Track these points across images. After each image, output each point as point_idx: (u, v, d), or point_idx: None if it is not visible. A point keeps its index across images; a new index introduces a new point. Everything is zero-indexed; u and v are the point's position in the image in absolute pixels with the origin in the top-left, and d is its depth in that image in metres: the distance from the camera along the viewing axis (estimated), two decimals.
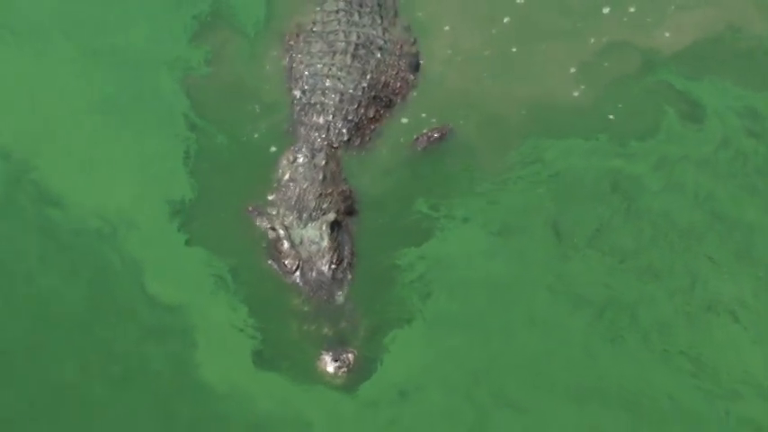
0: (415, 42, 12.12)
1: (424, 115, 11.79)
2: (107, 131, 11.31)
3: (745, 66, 12.29)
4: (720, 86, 12.11)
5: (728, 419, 10.16)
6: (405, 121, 11.80)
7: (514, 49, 12.20)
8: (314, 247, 10.35)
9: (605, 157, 11.42)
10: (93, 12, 12.12)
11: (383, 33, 11.67)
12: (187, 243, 10.73)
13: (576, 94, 11.85)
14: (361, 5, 11.86)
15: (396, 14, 12.15)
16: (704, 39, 12.44)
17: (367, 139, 11.32)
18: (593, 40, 12.25)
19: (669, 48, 12.32)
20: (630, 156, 11.46)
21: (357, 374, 10.04)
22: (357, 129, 11.22)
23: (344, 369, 9.85)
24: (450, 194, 11.31)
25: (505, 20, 12.35)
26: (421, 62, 12.19)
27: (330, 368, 9.89)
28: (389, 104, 11.53)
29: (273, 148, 11.20)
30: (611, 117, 11.72)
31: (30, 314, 10.36)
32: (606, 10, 12.42)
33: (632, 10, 12.47)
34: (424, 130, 11.58)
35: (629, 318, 10.74)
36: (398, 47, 11.90)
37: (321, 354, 9.95)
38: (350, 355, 9.88)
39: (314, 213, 10.54)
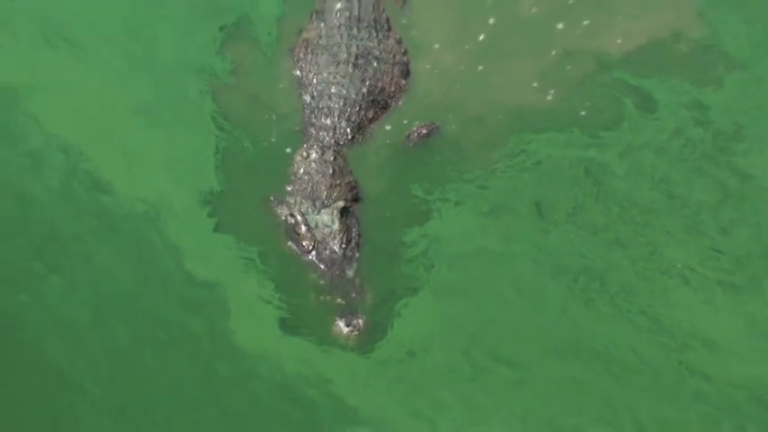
0: (405, 52, 11.89)
1: (405, 122, 11.49)
2: (147, 130, 11.10)
3: (687, 65, 12.08)
4: (669, 83, 11.92)
5: (681, 368, 10.00)
6: (404, 122, 11.51)
7: (491, 63, 11.94)
8: (327, 230, 10.19)
9: (578, 148, 11.25)
10: (133, 25, 11.90)
11: (378, 45, 11.48)
12: (217, 228, 10.51)
13: (548, 97, 11.67)
14: (359, 21, 11.64)
15: (389, 29, 11.92)
16: (651, 43, 12.24)
17: (368, 136, 11.14)
18: (554, 52, 12.02)
19: (621, 52, 12.10)
20: (599, 145, 11.30)
21: (367, 337, 9.91)
22: (359, 128, 11.06)
23: (356, 332, 9.78)
24: (441, 181, 11.14)
25: (480, 37, 12.11)
26: (411, 70, 11.96)
27: (343, 332, 9.80)
28: (386, 106, 11.34)
29: (288, 150, 10.96)
30: (582, 113, 11.50)
31: (88, 289, 10.13)
32: (560, 25, 12.19)
33: (586, 23, 12.24)
34: (414, 127, 11.32)
35: (599, 283, 10.58)
36: (392, 56, 11.69)
37: (335, 320, 9.88)
38: (360, 321, 9.80)
39: (326, 201, 10.39)
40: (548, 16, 12.62)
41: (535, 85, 11.99)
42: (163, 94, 11.65)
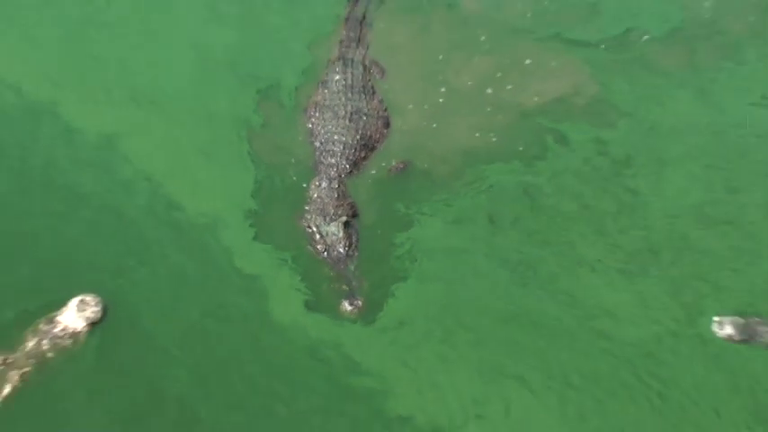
0: (386, 109, 12.32)
1: (383, 163, 11.95)
2: (206, 165, 11.56)
3: (588, 113, 12.46)
4: (576, 126, 12.34)
5: (591, 331, 10.59)
6: (383, 162, 12.01)
7: (446, 118, 12.28)
8: (334, 237, 10.78)
9: (518, 174, 11.66)
10: (196, 89, 12.39)
11: (366, 105, 11.97)
12: (257, 237, 10.95)
13: (493, 139, 12.03)
14: (352, 88, 12.14)
15: (373, 93, 12.38)
16: (559, 98, 12.60)
17: (361, 170, 11.62)
18: (489, 109, 12.37)
19: (538, 105, 12.47)
20: (533, 172, 11.73)
21: (367, 313, 10.47)
22: (355, 164, 11.56)
23: (356, 310, 10.37)
24: (418, 200, 11.55)
25: (440, 100, 12.49)
26: (390, 122, 12.38)
27: (347, 309, 10.38)
28: (373, 148, 11.82)
29: (304, 185, 11.44)
30: (519, 149, 11.95)
31: (166, 278, 10.61)
32: (490, 90, 12.57)
33: (509, 87, 12.65)
34: (393, 163, 11.77)
35: (532, 271, 11.15)
36: (376, 112, 12.16)
37: (342, 301, 10.43)
38: (359, 302, 10.39)
39: (333, 216, 10.93)
40: (481, 85, 12.86)
41: (477, 135, 12.29)
42: (216, 139, 12.04)
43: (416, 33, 13.85)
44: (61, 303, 10.12)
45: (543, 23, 13.87)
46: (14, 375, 9.41)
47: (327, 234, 11.01)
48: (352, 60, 12.87)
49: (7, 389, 9.32)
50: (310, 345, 10.37)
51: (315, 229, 11.11)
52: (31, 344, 9.59)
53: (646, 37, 13.69)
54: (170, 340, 10.27)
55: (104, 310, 9.96)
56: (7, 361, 9.49)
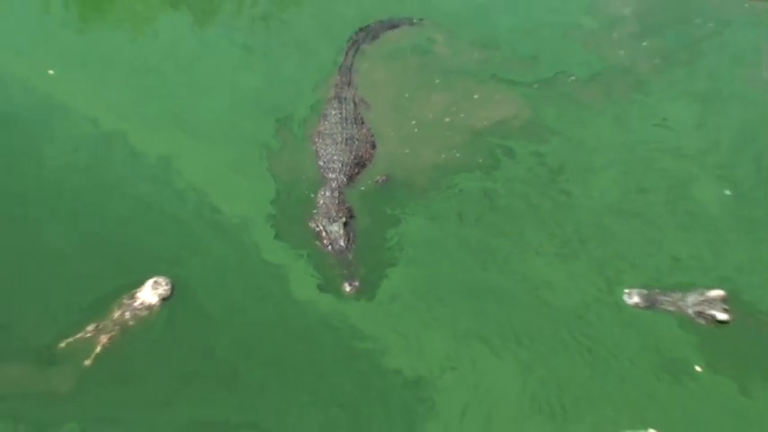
0: (372, 135, 12.55)
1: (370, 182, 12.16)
2: (238, 178, 11.75)
3: (525, 131, 12.77)
4: (519, 142, 12.64)
5: (536, 300, 10.78)
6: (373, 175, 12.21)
7: (418, 142, 12.54)
8: (336, 234, 10.98)
9: (480, 181, 11.91)
10: (229, 118, 12.66)
11: (358, 132, 12.22)
12: (277, 236, 11.10)
13: (457, 155, 12.30)
14: (346, 120, 12.37)
15: (362, 122, 12.60)
16: (502, 120, 12.89)
17: (355, 182, 11.81)
18: (448, 133, 12.66)
19: (487, 127, 12.75)
20: (491, 179, 11.98)
21: (366, 291, 10.61)
22: (350, 178, 11.78)
23: (354, 290, 10.48)
24: (401, 204, 11.70)
25: (414, 129, 12.78)
26: (376, 145, 12.57)
27: (348, 290, 10.53)
28: (364, 165, 12.03)
29: (312, 195, 11.61)
30: (479, 161, 12.23)
31: (213, 268, 10.77)
32: (447, 119, 12.84)
33: (462, 115, 12.92)
34: (378, 177, 11.94)
35: (491, 256, 11.28)
36: (365, 138, 12.38)
37: (343, 283, 10.58)
38: (356, 283, 10.53)
39: (335, 218, 11.11)
40: (440, 115, 13.06)
41: (443, 155, 12.44)
42: (245, 158, 12.17)
43: (391, 75, 14.07)
44: (140, 283, 10.27)
45: (490, 68, 14.10)
46: (104, 338, 9.71)
47: (331, 232, 11.15)
48: (345, 98, 13.08)
49: (98, 348, 9.64)
50: (323, 316, 10.43)
51: (321, 228, 11.26)
52: (116, 314, 9.91)
53: (572, 78, 14.02)
54: (218, 313, 10.36)
55: (173, 289, 10.27)
56: (98, 327, 9.78)
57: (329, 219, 11.30)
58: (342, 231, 11.20)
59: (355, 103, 13.24)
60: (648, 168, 12.84)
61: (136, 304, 10.03)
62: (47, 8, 14.64)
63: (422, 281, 11.08)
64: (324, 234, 11.26)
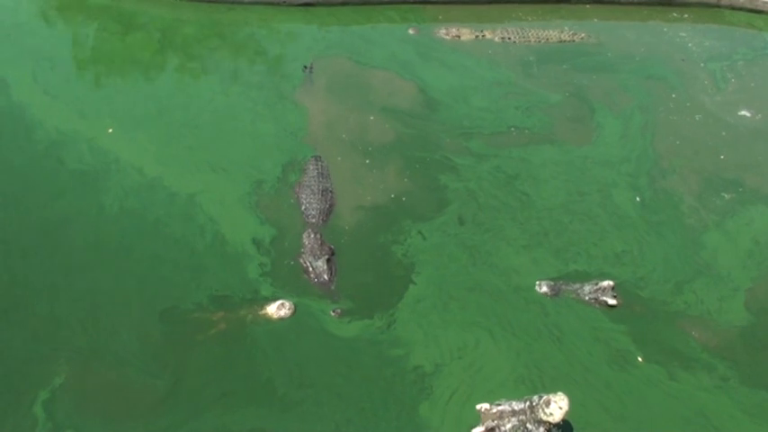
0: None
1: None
2: (245, 211, 11.30)
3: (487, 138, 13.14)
4: (481, 145, 12.91)
5: (513, 289, 10.75)
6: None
7: (378, 181, 12.27)
8: (320, 269, 10.50)
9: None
10: (247, 159, 12.26)
11: (330, 185, 11.79)
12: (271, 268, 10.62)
13: (404, 199, 11.94)
14: (322, 175, 11.90)
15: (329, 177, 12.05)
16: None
17: (328, 222, 11.39)
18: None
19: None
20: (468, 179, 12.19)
21: (346, 316, 10.07)
22: (324, 221, 11.31)
23: (338, 316, 9.98)
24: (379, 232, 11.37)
25: (369, 164, 12.54)
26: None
27: (332, 315, 10.02)
28: (332, 211, 11.60)
29: (303, 237, 10.99)
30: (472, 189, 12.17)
31: (215, 266, 10.50)
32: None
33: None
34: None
35: (478, 252, 11.17)
36: (334, 190, 11.94)
37: (331, 312, 10.02)
38: (339, 310, 10.01)
39: (318, 255, 10.63)
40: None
41: (404, 199, 11.94)
42: (254, 190, 11.66)
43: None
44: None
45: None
46: (222, 324, 9.71)
47: (316, 267, 10.57)
48: (320, 157, 12.38)
49: (215, 330, 9.66)
50: (322, 328, 9.95)
51: (308, 264, 10.63)
52: (242, 313, 9.86)
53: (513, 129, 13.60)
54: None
55: (293, 314, 9.95)
56: (224, 316, 9.83)
57: (314, 256, 10.69)
58: (325, 266, 10.58)
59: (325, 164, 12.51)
60: (583, 176, 12.83)
61: (260, 312, 9.87)
62: (103, 75, 13.95)
63: (435, 282, 10.74)
64: (310, 269, 10.60)
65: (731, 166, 13.40)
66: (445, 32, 15.96)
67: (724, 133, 14.16)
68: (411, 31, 15.94)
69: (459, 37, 15.90)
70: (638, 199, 12.44)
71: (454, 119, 13.68)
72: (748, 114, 14.71)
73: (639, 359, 9.98)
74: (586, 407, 9.29)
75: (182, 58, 14.60)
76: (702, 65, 15.94)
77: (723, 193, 12.78)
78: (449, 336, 10.03)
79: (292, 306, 9.97)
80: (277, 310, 9.88)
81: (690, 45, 16.57)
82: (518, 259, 11.21)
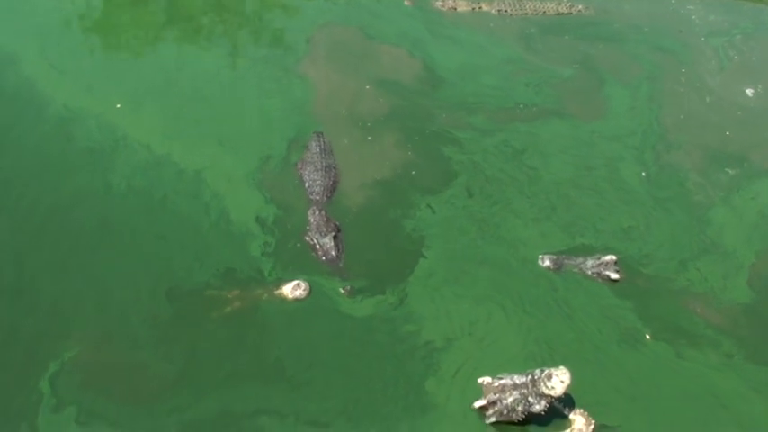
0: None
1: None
2: (251, 188, 10.85)
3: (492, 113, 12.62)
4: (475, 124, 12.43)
5: (521, 261, 10.44)
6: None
7: (381, 156, 11.87)
8: (327, 246, 10.06)
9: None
10: (253, 136, 11.76)
11: (333, 161, 11.27)
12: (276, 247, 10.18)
13: (413, 173, 11.57)
14: (324, 152, 11.42)
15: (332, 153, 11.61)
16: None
17: (332, 199, 11.00)
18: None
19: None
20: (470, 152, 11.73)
21: (359, 293, 9.73)
22: (328, 198, 10.87)
23: (348, 293, 9.64)
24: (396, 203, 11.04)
25: (370, 141, 12.19)
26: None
27: (342, 293, 9.66)
28: (336, 188, 11.17)
29: (308, 214, 10.52)
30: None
31: (221, 244, 10.05)
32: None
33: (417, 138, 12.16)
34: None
35: (486, 225, 10.83)
36: (337, 165, 11.47)
37: (340, 288, 9.68)
38: (349, 287, 9.61)
39: (325, 232, 10.21)
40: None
41: (413, 173, 11.58)
42: (257, 167, 11.19)
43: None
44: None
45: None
46: (238, 303, 9.37)
47: (323, 244, 10.20)
48: (323, 134, 11.91)
49: (229, 308, 9.31)
50: (334, 307, 9.60)
51: (315, 241, 10.25)
52: (257, 291, 9.47)
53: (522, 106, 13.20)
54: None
55: (308, 295, 9.59)
56: (238, 294, 9.49)
57: (321, 233, 10.33)
58: (332, 243, 10.21)
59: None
60: (592, 149, 12.43)
61: (275, 292, 9.53)
62: (112, 48, 13.43)
63: (446, 255, 10.36)
64: (317, 246, 10.24)
65: (736, 142, 13.07)
66: (441, 4, 15.48)
67: (731, 109, 13.84)
68: (406, 2, 15.41)
69: (455, 9, 15.41)
70: (643, 174, 12.08)
71: (458, 95, 13.31)
72: (754, 91, 14.34)
73: (647, 336, 9.71)
74: (597, 387, 9.04)
75: (188, 30, 14.06)
76: (703, 39, 15.52)
77: (727, 169, 12.51)
78: (461, 310, 9.70)
79: (308, 287, 9.55)
80: (292, 290, 9.47)
81: (694, 18, 16.11)
82: (526, 232, 10.84)
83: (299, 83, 13.01)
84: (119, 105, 11.98)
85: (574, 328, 9.68)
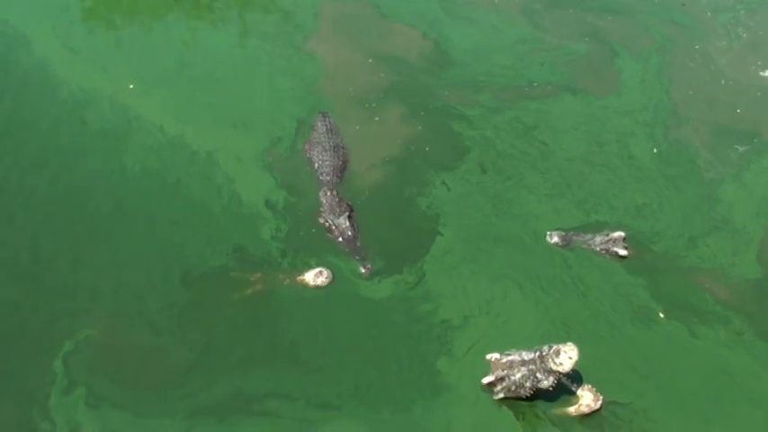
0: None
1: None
2: (259, 170, 10.54)
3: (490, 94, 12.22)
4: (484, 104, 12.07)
5: (528, 233, 10.20)
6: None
7: (393, 133, 11.48)
8: (343, 226, 9.73)
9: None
10: (263, 117, 11.40)
11: (341, 141, 10.82)
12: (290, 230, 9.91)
13: (427, 149, 11.34)
14: (331, 131, 10.99)
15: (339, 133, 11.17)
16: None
17: (342, 179, 10.68)
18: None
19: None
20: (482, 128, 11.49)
21: (376, 274, 9.45)
22: (339, 178, 10.51)
23: (368, 273, 9.36)
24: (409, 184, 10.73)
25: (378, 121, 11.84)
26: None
27: (363, 273, 9.39)
28: (346, 167, 10.79)
29: (320, 195, 10.17)
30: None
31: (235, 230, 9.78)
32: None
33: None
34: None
35: (500, 201, 10.57)
36: (345, 144, 11.09)
37: (360, 268, 9.41)
38: (369, 266, 9.33)
39: (338, 212, 9.91)
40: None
41: (427, 148, 11.32)
42: (268, 148, 10.87)
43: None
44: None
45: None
46: (259, 286, 9.17)
47: (338, 225, 9.92)
48: (328, 113, 11.51)
49: (250, 290, 9.14)
50: (350, 290, 9.37)
51: (330, 222, 9.96)
52: (279, 276, 9.23)
53: (535, 83, 12.73)
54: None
55: (330, 283, 9.33)
56: (261, 278, 9.30)
57: (335, 214, 10.04)
58: (347, 223, 9.92)
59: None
60: (603, 125, 12.04)
61: (298, 278, 9.27)
62: (121, 28, 12.99)
63: (461, 233, 10.08)
64: (333, 227, 9.95)
65: (747, 119, 12.67)
66: None
67: (740, 87, 13.38)
68: None
69: None
70: (655, 150, 11.71)
71: (469, 73, 12.89)
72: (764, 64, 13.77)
73: (661, 315, 9.48)
74: (612, 365, 8.87)
75: (200, 8, 13.58)
76: (709, 14, 14.84)
77: (737, 146, 12.14)
78: (477, 288, 9.44)
79: (330, 275, 9.25)
80: (315, 277, 9.17)
81: None
82: (540, 208, 10.54)
83: (308, 60, 12.62)
84: (131, 86, 11.61)
85: (588, 306, 9.44)
